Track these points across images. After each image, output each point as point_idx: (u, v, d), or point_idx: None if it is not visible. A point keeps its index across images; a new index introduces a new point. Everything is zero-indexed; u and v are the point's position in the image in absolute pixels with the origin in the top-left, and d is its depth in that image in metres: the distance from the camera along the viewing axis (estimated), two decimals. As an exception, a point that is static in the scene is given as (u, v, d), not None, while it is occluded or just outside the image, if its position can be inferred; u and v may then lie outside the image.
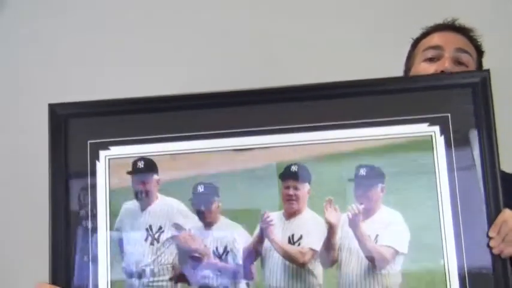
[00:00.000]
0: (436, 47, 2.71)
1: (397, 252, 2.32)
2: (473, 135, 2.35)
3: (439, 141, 2.36)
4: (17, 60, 3.58)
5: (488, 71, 2.38)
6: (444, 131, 2.36)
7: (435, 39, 2.74)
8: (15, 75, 3.55)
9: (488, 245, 2.31)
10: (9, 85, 3.68)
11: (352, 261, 2.35)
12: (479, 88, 2.36)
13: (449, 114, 2.37)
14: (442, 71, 2.60)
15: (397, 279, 2.32)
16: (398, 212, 2.34)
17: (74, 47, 3.66)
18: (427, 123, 2.37)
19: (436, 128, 2.36)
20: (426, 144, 2.37)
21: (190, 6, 3.67)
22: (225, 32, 3.66)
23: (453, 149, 2.35)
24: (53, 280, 2.45)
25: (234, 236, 2.42)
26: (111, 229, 2.49)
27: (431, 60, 2.70)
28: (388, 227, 2.34)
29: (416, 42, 2.82)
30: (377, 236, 2.34)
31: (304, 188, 2.39)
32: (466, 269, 2.29)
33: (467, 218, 2.32)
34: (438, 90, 2.41)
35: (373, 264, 2.32)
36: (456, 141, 2.36)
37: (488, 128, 2.33)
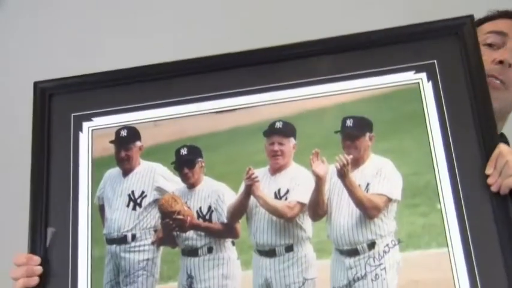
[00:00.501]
0: (500, 33, 2.48)
1: (390, 200, 2.19)
2: (462, 78, 2.27)
3: (427, 88, 2.30)
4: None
5: (471, 16, 2.35)
6: (431, 77, 2.30)
7: (501, 24, 2.50)
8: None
9: (486, 185, 2.13)
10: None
11: (343, 212, 2.22)
12: (464, 33, 2.32)
13: (435, 61, 2.33)
14: (501, 61, 2.43)
15: (391, 227, 2.17)
16: (389, 159, 2.22)
17: (56, 22, 3.64)
18: (413, 71, 2.32)
19: (423, 75, 2.31)
20: (414, 92, 2.30)
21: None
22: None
23: (442, 94, 2.27)
24: (31, 250, 2.33)
25: (218, 194, 2.32)
26: (92, 197, 2.39)
27: (490, 46, 2.48)
28: (379, 175, 2.23)
29: (477, 24, 2.48)
30: (368, 184, 2.22)
31: (290, 143, 2.31)
32: (464, 211, 2.12)
33: (462, 160, 2.20)
34: (422, 39, 2.37)
35: (365, 213, 2.19)
36: (445, 86, 2.29)
37: (477, 70, 2.26)
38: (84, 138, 2.46)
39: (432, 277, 2.11)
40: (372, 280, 2.14)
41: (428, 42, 2.37)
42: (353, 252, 2.18)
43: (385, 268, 2.15)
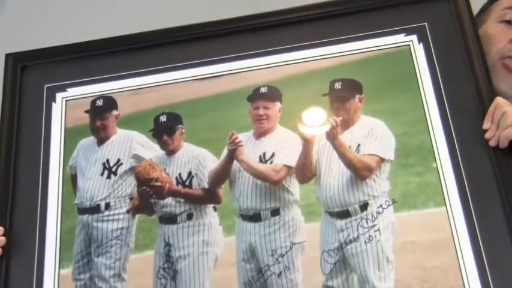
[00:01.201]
0: None
1: (382, 160, 2.05)
2: (454, 38, 2.18)
3: (418, 49, 2.22)
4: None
5: (461, -22, 2.28)
6: (422, 39, 2.22)
7: None
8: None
9: (484, 140, 2.01)
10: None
11: (332, 173, 2.08)
12: (455, -4, 2.24)
13: (425, 23, 2.25)
14: None
15: (384, 187, 2.03)
16: (381, 120, 2.09)
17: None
18: (404, 34, 2.23)
19: (414, 37, 2.23)
20: (405, 53, 2.21)
21: None
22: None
23: (434, 54, 2.19)
24: (-5, 222, 2.14)
25: (198, 160, 2.18)
26: (64, 167, 2.23)
27: (509, 23, 2.23)
28: (371, 136, 2.10)
29: None
30: (358, 145, 2.09)
31: (275, 107, 2.19)
32: (462, 168, 1.99)
33: (457, 118, 2.09)
34: (413, 3, 2.29)
35: (356, 174, 2.05)
36: (437, 46, 2.20)
37: (469, 27, 2.18)
38: (57, 109, 2.33)
39: (430, 237, 1.96)
40: (365, 242, 1.98)
41: (419, 6, 2.29)
42: (344, 214, 2.02)
43: (379, 229, 1.99)
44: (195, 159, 2.16)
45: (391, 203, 2.01)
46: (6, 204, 2.17)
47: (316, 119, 2.16)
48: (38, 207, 2.16)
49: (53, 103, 2.33)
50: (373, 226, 1.99)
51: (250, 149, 2.14)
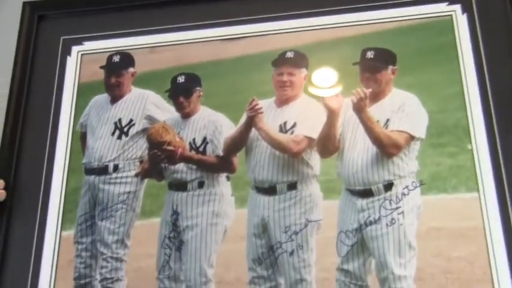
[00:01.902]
0: None
1: (412, 138, 1.88)
2: (501, 11, 1.99)
3: (461, 20, 2.02)
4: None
5: None
6: (467, 9, 2.03)
7: None
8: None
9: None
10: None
11: (357, 148, 1.91)
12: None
13: (471, -7, 2.03)
14: None
15: (412, 167, 1.86)
16: (414, 94, 1.91)
17: None
18: (446, 3, 2.04)
19: (457, 7, 2.04)
20: (446, 24, 2.02)
21: None
22: None
23: (478, 27, 1.99)
24: (-2, 173, 2.03)
25: (215, 125, 2.03)
26: (74, 124, 2.10)
27: None
28: (402, 111, 1.93)
29: None
30: (388, 120, 1.92)
31: (301, 74, 2.03)
32: (500, 152, 1.81)
33: (499, 97, 1.91)
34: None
35: (383, 151, 1.88)
36: (482, 19, 2.00)
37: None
38: (71, 63, 2.20)
39: (458, 225, 1.79)
40: (387, 225, 1.81)
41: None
42: (366, 193, 1.86)
43: (402, 212, 1.82)
44: (212, 125, 2.02)
45: (418, 184, 1.84)
46: (12, 158, 2.06)
47: (343, 90, 1.97)
48: (45, 164, 2.05)
49: (68, 56, 2.20)
50: (397, 208, 1.83)
51: (271, 117, 1.99)
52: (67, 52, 2.22)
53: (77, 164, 2.07)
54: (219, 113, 2.04)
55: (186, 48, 2.15)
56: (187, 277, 1.93)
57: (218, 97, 2.09)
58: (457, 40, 2.00)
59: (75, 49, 2.21)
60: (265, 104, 2.01)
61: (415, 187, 1.84)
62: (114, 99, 2.12)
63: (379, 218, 1.83)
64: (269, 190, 1.94)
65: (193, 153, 2.02)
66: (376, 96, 1.96)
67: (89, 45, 2.22)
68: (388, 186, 1.86)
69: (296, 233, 1.87)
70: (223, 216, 1.96)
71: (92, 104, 2.13)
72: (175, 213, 1.97)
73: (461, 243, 1.77)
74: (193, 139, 2.02)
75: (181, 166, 2.01)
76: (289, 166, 1.94)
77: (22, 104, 2.12)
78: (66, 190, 2.03)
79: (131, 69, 2.14)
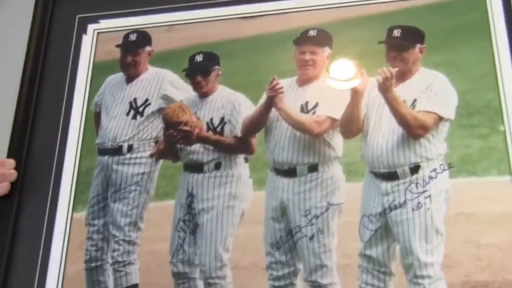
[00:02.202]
0: None
1: (440, 118, 1.78)
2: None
3: (494, -2, 1.89)
4: None
5: None
6: (500, -16, 1.90)
7: None
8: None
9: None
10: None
11: (382, 130, 1.82)
12: None
13: (506, -34, 1.92)
14: None
15: (440, 149, 1.75)
16: (443, 73, 1.81)
17: None
18: (478, -23, 1.92)
19: (490, -19, 1.91)
20: (477, 0, 1.89)
21: None
22: None
23: (512, 4, 1.86)
24: (9, 153, 1.96)
25: (233, 105, 1.95)
26: (88, 103, 2.03)
27: None
28: (429, 91, 1.83)
29: None
30: (415, 100, 1.82)
31: (324, 53, 1.93)
32: (532, 135, 1.69)
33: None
34: None
35: (409, 132, 1.78)
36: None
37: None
38: (87, 41, 2.13)
39: (489, 210, 1.68)
40: (413, 209, 1.71)
41: None
42: (391, 176, 1.76)
43: (429, 196, 1.72)
44: (230, 105, 1.93)
45: (446, 167, 1.74)
46: (24, 138, 1.98)
47: (368, 69, 1.87)
48: (58, 144, 1.98)
49: (84, 35, 2.13)
50: (424, 192, 1.72)
51: (292, 97, 1.90)
52: (83, 30, 2.15)
53: (90, 144, 2.00)
54: (238, 93, 1.96)
55: (204, 27, 2.07)
56: (201, 261, 1.84)
57: (237, 76, 2.00)
58: (490, 16, 1.90)
59: (91, 27, 2.14)
60: (286, 84, 1.92)
61: (443, 170, 1.74)
62: (130, 79, 2.05)
63: (405, 202, 1.73)
64: (289, 172, 1.85)
65: (210, 133, 1.93)
66: (402, 76, 1.86)
67: (105, 24, 2.15)
68: (415, 169, 1.76)
69: (316, 216, 1.78)
70: (240, 198, 1.87)
71: (107, 83, 2.06)
72: (191, 195, 1.89)
73: (492, 229, 1.67)
74: (211, 119, 1.94)
75: (197, 147, 1.93)
76: (310, 147, 1.85)
77: (36, 83, 2.06)
78: (78, 171, 1.94)
79: (148, 48, 2.07)
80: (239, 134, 1.91)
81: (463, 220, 1.70)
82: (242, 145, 1.90)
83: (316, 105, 1.88)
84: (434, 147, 1.77)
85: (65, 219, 1.89)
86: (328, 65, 1.95)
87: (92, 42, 2.12)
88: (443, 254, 1.68)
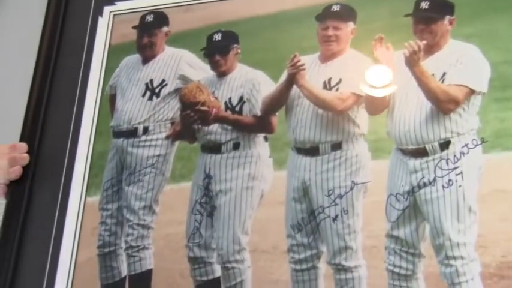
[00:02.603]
0: None
1: (472, 92, 1.66)
2: None
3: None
4: None
5: None
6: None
7: None
8: None
9: None
10: None
11: (409, 105, 1.71)
12: None
13: None
14: None
15: (472, 124, 1.64)
16: (475, 45, 1.69)
17: None
18: None
19: None
20: (510, -32, 1.79)
21: None
22: None
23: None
24: (22, 137, 1.90)
25: (253, 83, 1.86)
26: (103, 86, 1.96)
27: None
28: (460, 63, 1.72)
29: None
30: (444, 74, 1.71)
31: (347, 28, 1.84)
32: None
33: None
34: None
35: (439, 106, 1.67)
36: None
37: None
38: (103, 24, 2.06)
39: (526, 186, 1.54)
40: (443, 187, 1.59)
41: None
42: (420, 153, 1.65)
43: (461, 173, 1.60)
44: (249, 83, 1.84)
45: (479, 142, 1.62)
46: (38, 121, 1.92)
47: (394, 43, 1.76)
48: (71, 127, 1.91)
49: (100, 17, 2.07)
50: (455, 169, 1.61)
51: (314, 74, 1.80)
52: (98, 12, 2.09)
53: (105, 127, 1.93)
54: (258, 71, 1.87)
55: (222, 6, 2.00)
56: (219, 245, 1.75)
57: (257, 54, 1.92)
58: (525, -16, 1.77)
59: (107, 9, 2.08)
60: (308, 60, 1.83)
61: (476, 145, 1.62)
62: (146, 60, 1.98)
63: (435, 179, 1.62)
64: (311, 151, 1.75)
65: (228, 113, 1.84)
66: (430, 49, 1.75)
67: (121, 5, 2.09)
68: (445, 144, 1.64)
69: (340, 196, 1.67)
70: (259, 179, 1.77)
71: (123, 65, 1.99)
72: (208, 176, 1.80)
73: (529, 206, 1.53)
74: (229, 98, 1.85)
75: (215, 127, 1.84)
76: (334, 125, 1.75)
77: (50, 66, 2.00)
78: (92, 154, 1.86)
79: (165, 29, 1.99)
80: (259, 113, 1.82)
81: (498, 197, 1.58)
82: (262, 124, 1.81)
83: (339, 82, 1.78)
84: (466, 122, 1.65)
85: (78, 203, 1.82)
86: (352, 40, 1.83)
87: (108, 24, 2.06)
88: (478, 234, 1.55)
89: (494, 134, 1.64)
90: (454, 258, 1.56)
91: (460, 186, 1.60)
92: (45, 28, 2.04)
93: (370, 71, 1.77)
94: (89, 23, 2.06)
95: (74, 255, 1.76)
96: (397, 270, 1.62)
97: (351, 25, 1.85)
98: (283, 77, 1.83)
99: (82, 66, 1.99)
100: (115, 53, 2.00)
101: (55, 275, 1.74)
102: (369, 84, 1.75)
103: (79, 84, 1.96)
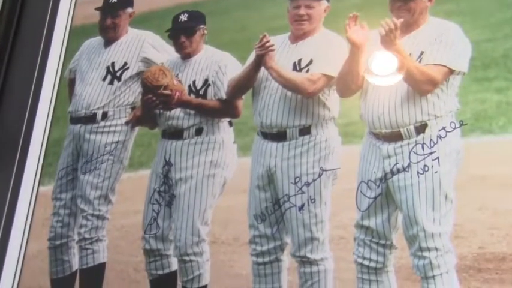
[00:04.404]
0: None
1: (451, 71, 1.53)
2: None
3: None
4: None
5: None
6: None
7: None
8: None
9: None
10: None
11: (384, 86, 1.56)
12: None
13: None
14: None
15: (451, 105, 1.52)
16: (456, 23, 1.57)
17: None
18: None
19: None
20: None
21: None
22: None
23: None
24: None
25: (218, 65, 1.74)
26: (62, 69, 1.84)
27: None
28: (439, 42, 1.59)
29: None
30: (422, 53, 1.59)
31: (320, 6, 1.72)
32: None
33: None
34: None
35: (416, 87, 1.54)
36: None
37: None
38: (65, 5, 1.94)
39: (508, 172, 1.42)
40: (418, 173, 1.46)
41: None
42: (394, 137, 1.53)
43: (438, 158, 1.48)
44: (215, 65, 1.72)
45: (458, 125, 1.49)
46: (-9, 107, 1.78)
47: (370, 21, 1.64)
48: (27, 112, 1.79)
49: (61, -1, 1.93)
50: (431, 154, 1.48)
51: (284, 55, 1.68)
52: (60, -6, 1.95)
53: (62, 112, 1.80)
54: (225, 52, 1.76)
55: (190, -16, 1.86)
56: (177, 236, 1.63)
57: (224, 35, 1.81)
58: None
59: (68, -10, 1.95)
60: (278, 41, 1.71)
61: (454, 128, 1.50)
62: (109, 42, 1.88)
63: (409, 165, 1.49)
64: (278, 136, 1.62)
65: (192, 97, 1.71)
66: (408, 27, 1.63)
67: (84, -15, 1.95)
68: (421, 127, 1.51)
69: (307, 184, 1.55)
70: (222, 166, 1.65)
71: (84, 48, 1.89)
72: (168, 164, 1.68)
73: (511, 193, 1.39)
74: (194, 81, 1.74)
75: (177, 112, 1.72)
76: (303, 108, 1.62)
77: (7, 50, 1.88)
78: (48, 141, 1.74)
79: (129, 10, 1.89)
80: (224, 97, 1.69)
81: (477, 184, 1.45)
82: (227, 108, 1.69)
83: (310, 63, 1.66)
84: (444, 104, 1.53)
85: (30, 193, 1.69)
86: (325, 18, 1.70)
87: (70, 5, 1.93)
88: (454, 223, 1.42)
89: (474, 117, 1.51)
90: (428, 249, 1.43)
91: (436, 172, 1.47)
92: (3, 9, 1.92)
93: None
94: (50, 4, 1.94)
95: (23, 247, 1.62)
96: (366, 262, 1.49)
97: (324, 3, 1.73)
98: (251, 58, 1.70)
99: (41, 49, 1.88)
100: (77, 36, 1.89)
101: (1, 268, 1.61)
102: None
103: (37, 67, 1.85)
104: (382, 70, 1.63)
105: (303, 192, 1.56)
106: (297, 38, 1.73)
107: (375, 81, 1.62)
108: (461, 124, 1.52)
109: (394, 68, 1.61)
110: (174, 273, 1.62)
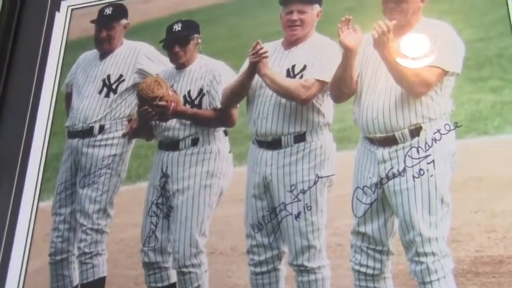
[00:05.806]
0: None
1: (445, 73, 1.52)
2: None
3: None
4: None
5: None
6: None
7: None
8: None
9: None
10: None
11: (377, 90, 1.57)
12: None
13: None
14: None
15: (445, 107, 1.50)
16: (449, 23, 1.55)
17: None
18: None
19: None
20: None
21: None
22: None
23: None
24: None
25: (213, 75, 1.74)
26: (60, 85, 1.85)
27: None
28: (433, 43, 1.55)
29: None
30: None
31: (313, 11, 1.71)
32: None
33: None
34: None
35: (410, 90, 1.52)
36: None
37: None
38: (60, 19, 1.97)
39: (504, 173, 1.41)
40: (414, 177, 1.45)
41: None
42: (389, 141, 1.52)
43: (433, 161, 1.47)
44: (209, 74, 1.72)
45: (452, 127, 1.48)
46: (-10, 123, 1.80)
47: (362, 24, 1.63)
48: (25, 128, 1.80)
49: (57, 12, 1.96)
50: (426, 157, 1.47)
51: (277, 61, 1.68)
52: (56, 7, 2.01)
53: (60, 127, 1.81)
54: (218, 61, 1.76)
55: (183, -5, 1.86)
56: (175, 248, 1.62)
57: (217, 43, 1.80)
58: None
59: (64, 4, 2.00)
60: (271, 47, 1.71)
61: (449, 130, 1.49)
62: (104, 55, 1.88)
63: (404, 170, 1.48)
64: (273, 143, 1.62)
65: (187, 107, 1.71)
66: (401, 29, 1.62)
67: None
68: (416, 131, 1.50)
69: (303, 191, 1.54)
70: (218, 176, 1.65)
71: (80, 62, 1.89)
72: (165, 175, 1.68)
73: (507, 194, 1.38)
74: (188, 91, 1.73)
75: (173, 123, 1.72)
76: (297, 115, 1.62)
77: (4, 65, 1.89)
78: (46, 156, 1.75)
79: (124, 21, 1.89)
80: (219, 106, 1.69)
81: (473, 186, 1.44)
82: (222, 117, 1.69)
83: (304, 68, 1.65)
84: (438, 106, 1.51)
85: (30, 209, 1.70)
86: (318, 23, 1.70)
87: (66, 19, 1.96)
88: (451, 227, 1.41)
89: (469, 118, 1.50)
90: (425, 254, 1.43)
91: (431, 175, 1.46)
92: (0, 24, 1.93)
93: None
94: (46, 18, 1.96)
95: (24, 264, 1.64)
96: (363, 269, 1.48)
97: (316, 8, 1.73)
98: (245, 65, 1.69)
99: (38, 65, 1.91)
100: (73, 49, 1.89)
101: (3, 285, 1.62)
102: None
103: (34, 82, 1.87)
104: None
105: (299, 200, 1.55)
106: (290, 44, 1.72)
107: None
108: (456, 126, 1.51)
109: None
110: (173, 285, 1.63)
